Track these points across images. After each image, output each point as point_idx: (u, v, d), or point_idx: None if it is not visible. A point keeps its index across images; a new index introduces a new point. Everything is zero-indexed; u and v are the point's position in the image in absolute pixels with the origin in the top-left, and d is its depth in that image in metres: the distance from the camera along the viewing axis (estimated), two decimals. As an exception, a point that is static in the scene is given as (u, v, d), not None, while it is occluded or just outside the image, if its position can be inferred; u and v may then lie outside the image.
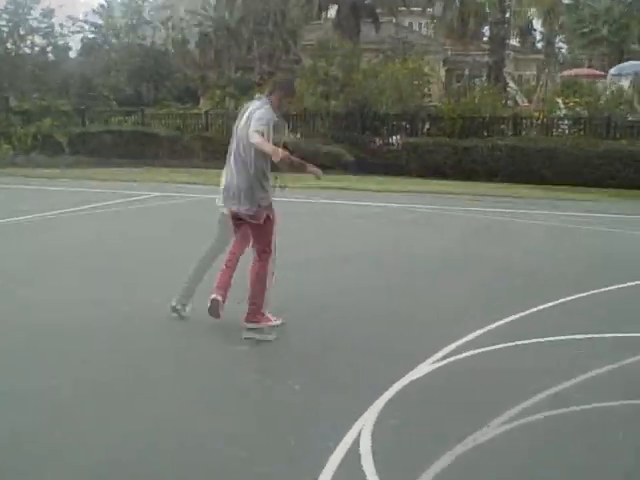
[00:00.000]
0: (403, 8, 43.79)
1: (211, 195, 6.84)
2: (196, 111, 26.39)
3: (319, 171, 5.94)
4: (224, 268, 5.96)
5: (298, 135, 22.95)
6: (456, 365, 5.33)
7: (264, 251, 5.76)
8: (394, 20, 42.06)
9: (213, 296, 5.86)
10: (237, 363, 5.48)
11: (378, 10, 35.01)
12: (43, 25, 40.53)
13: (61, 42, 51.73)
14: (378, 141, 21.88)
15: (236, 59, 34.58)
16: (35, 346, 5.70)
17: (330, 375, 5.18)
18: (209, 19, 30.87)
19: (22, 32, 39.25)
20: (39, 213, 12.62)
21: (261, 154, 5.45)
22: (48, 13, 46.09)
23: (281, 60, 44.11)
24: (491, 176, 18.86)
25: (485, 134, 20.76)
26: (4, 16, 39.63)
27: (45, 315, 6.44)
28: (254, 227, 5.73)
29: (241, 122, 5.61)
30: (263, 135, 5.30)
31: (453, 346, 5.65)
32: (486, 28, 36.07)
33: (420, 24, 44.42)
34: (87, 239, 10.30)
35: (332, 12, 31.48)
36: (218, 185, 6.01)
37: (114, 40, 47.33)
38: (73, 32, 51.71)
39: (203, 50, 31.31)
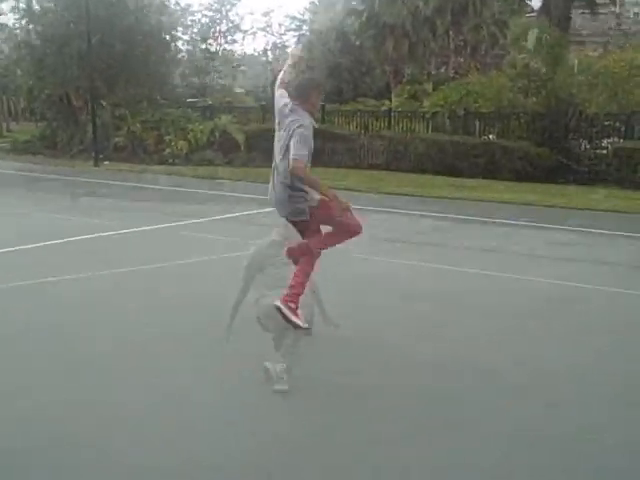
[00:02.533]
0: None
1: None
2: (384, 109, 24.39)
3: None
4: None
5: (491, 136, 20.29)
6: None
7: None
8: (616, 9, 37.69)
9: None
10: None
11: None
12: (256, 23, 40.48)
13: (279, 41, 52.25)
14: (584, 145, 18.72)
15: (434, 53, 32.14)
16: None
17: None
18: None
19: (224, 29, 39.49)
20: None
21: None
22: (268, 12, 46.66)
23: (488, 54, 41.08)
24: None
25: None
26: (208, 13, 40.05)
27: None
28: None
29: (282, 129, 5.12)
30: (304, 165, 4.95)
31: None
32: None
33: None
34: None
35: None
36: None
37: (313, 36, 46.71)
38: (289, 30, 51.97)
39: (397, 43, 29.09)
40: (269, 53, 54.10)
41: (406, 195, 14.39)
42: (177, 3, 28.27)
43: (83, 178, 17.40)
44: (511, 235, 10.64)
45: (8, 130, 42.70)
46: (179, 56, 29.34)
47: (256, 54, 51.96)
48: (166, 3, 26.00)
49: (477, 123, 20.24)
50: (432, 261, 8.53)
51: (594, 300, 6.98)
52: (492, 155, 18.73)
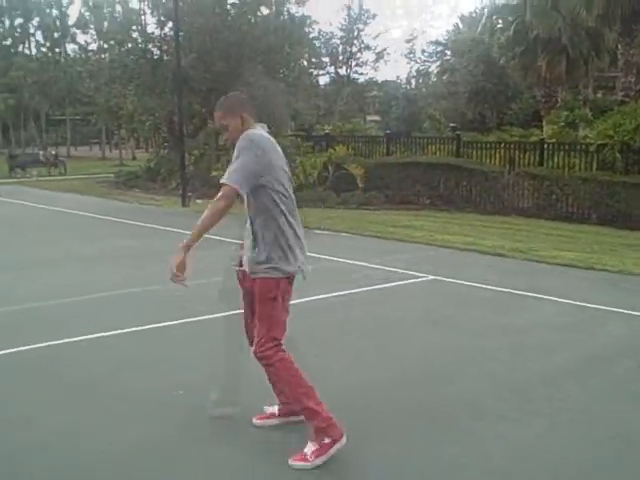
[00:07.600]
0: None
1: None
2: (534, 139, 20.03)
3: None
4: None
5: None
6: None
7: None
8: None
9: None
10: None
11: None
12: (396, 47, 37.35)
13: (422, 68, 48.87)
14: None
15: (596, 72, 27.38)
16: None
17: None
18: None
19: (354, 50, 36.23)
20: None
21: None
22: (411, 39, 43.49)
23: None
24: None
25: None
26: (339, 33, 37.05)
27: None
28: None
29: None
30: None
31: None
32: None
33: None
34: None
35: None
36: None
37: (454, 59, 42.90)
38: (431, 56, 48.51)
39: (552, 61, 24.61)
40: (412, 81, 50.84)
41: (571, 266, 9.95)
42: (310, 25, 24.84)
43: (154, 223, 14.12)
44: None
45: (134, 158, 41.19)
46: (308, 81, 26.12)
47: (398, 80, 48.79)
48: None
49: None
50: None
51: None
52: None
